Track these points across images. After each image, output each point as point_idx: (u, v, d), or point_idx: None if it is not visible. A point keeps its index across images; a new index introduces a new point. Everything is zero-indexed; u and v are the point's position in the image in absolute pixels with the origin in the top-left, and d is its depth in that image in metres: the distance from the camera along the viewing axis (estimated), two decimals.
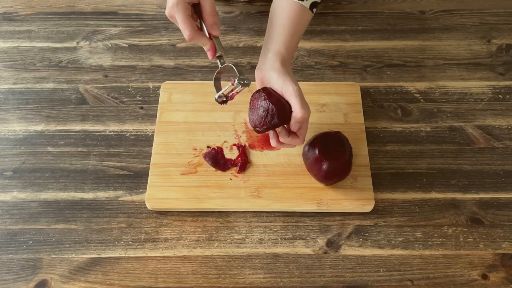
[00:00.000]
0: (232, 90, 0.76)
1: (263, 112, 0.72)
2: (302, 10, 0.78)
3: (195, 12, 0.73)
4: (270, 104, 0.71)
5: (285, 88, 0.72)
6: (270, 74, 0.73)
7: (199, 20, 0.74)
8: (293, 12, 0.77)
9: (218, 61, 0.75)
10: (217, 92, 0.77)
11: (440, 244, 0.79)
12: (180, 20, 0.70)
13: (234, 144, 0.87)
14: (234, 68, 0.73)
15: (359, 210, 0.82)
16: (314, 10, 0.80)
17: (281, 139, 0.75)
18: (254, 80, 0.77)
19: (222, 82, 0.78)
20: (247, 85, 0.74)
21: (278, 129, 0.75)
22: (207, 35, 0.73)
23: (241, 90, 0.75)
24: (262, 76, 0.75)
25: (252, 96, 0.75)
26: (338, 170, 0.80)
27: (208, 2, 0.71)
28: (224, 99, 0.77)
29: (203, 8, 0.71)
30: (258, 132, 0.75)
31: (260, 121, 0.73)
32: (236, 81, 0.74)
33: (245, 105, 0.88)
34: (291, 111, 0.71)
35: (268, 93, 0.73)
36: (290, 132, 0.74)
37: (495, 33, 1.06)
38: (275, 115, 0.71)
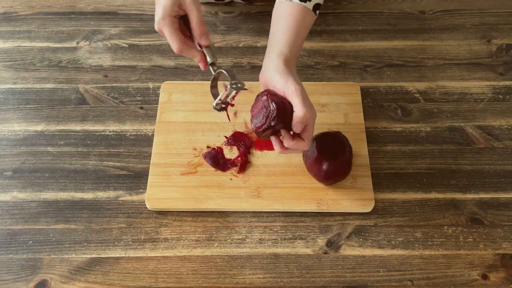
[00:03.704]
0: (227, 96, 0.74)
1: (263, 113, 0.71)
2: (305, 11, 0.77)
3: (184, 23, 0.73)
4: (271, 103, 0.69)
5: (287, 88, 0.70)
6: (273, 75, 0.72)
7: (189, 32, 0.74)
8: (296, 14, 0.77)
9: (211, 68, 0.74)
10: (214, 99, 0.76)
11: (440, 244, 0.79)
12: (168, 34, 0.71)
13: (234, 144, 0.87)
14: (226, 74, 0.73)
15: (359, 210, 0.82)
16: (317, 12, 0.80)
17: (285, 144, 0.71)
18: (246, 82, 0.76)
19: (219, 89, 0.77)
20: (241, 88, 0.73)
21: (281, 136, 0.73)
22: (198, 46, 0.73)
23: (236, 94, 0.74)
24: (265, 79, 0.74)
25: (255, 99, 0.74)
26: (338, 170, 0.80)
27: (194, 13, 0.71)
28: (223, 105, 0.76)
29: (190, 19, 0.71)
30: (259, 135, 0.73)
31: (261, 122, 0.71)
32: (229, 87, 0.72)
33: (245, 105, 0.89)
34: (292, 112, 0.69)
35: (269, 94, 0.71)
36: (294, 136, 0.71)
37: (495, 33, 1.06)
38: (275, 115, 0.69)
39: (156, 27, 0.72)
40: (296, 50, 0.77)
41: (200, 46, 0.73)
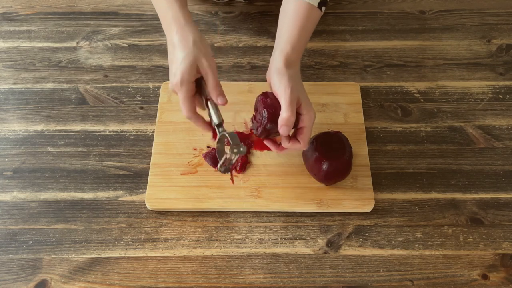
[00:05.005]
0: (230, 159, 0.73)
1: (258, 118, 0.74)
2: (309, 8, 0.77)
3: (200, 83, 0.73)
4: (263, 109, 0.72)
5: (280, 91, 0.71)
6: (272, 76, 0.73)
7: (200, 91, 0.74)
8: (301, 11, 0.77)
9: (217, 129, 0.73)
10: (220, 158, 0.75)
11: (440, 244, 0.79)
12: (181, 100, 0.71)
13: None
14: (228, 137, 0.71)
15: (359, 210, 0.82)
16: (323, 8, 0.80)
17: (283, 144, 0.74)
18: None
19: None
20: (242, 153, 0.71)
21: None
22: (204, 105, 0.73)
23: (237, 158, 0.72)
24: (268, 79, 0.75)
25: (255, 100, 0.76)
26: (338, 170, 0.80)
27: (211, 76, 0.71)
28: (227, 167, 0.74)
29: (206, 81, 0.72)
30: (257, 136, 0.75)
31: (255, 127, 0.75)
32: (229, 152, 0.71)
33: (244, 105, 0.89)
34: None
35: (264, 98, 0.74)
36: (291, 137, 0.74)
37: (495, 33, 1.06)
38: (266, 122, 0.72)
39: (170, 87, 0.72)
40: (300, 47, 0.77)
41: (206, 104, 0.73)
